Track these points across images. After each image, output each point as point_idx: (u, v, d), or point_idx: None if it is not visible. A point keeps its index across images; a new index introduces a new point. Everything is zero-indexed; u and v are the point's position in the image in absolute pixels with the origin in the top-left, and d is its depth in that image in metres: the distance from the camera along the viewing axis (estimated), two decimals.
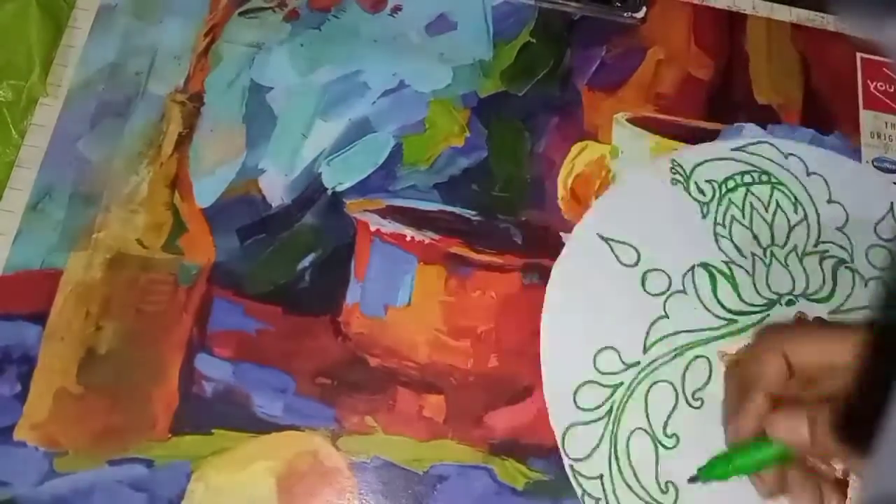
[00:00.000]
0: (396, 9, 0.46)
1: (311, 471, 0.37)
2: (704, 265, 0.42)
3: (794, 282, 0.42)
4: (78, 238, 0.40)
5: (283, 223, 0.41)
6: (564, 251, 0.41)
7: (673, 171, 0.44)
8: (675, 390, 0.39)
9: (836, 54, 0.48)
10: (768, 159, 0.45)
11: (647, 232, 0.42)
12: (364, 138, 0.43)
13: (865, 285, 0.42)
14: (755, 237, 0.43)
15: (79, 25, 0.44)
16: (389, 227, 0.42)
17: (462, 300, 0.40)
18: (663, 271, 0.41)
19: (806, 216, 0.43)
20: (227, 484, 0.36)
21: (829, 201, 0.44)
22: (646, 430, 0.38)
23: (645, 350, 0.40)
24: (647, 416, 0.39)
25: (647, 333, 0.40)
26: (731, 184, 0.44)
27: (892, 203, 0.44)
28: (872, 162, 0.45)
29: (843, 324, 0.34)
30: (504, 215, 0.42)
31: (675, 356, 0.40)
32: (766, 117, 0.46)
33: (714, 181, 0.44)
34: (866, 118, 0.46)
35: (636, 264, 0.41)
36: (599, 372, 0.39)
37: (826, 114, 0.46)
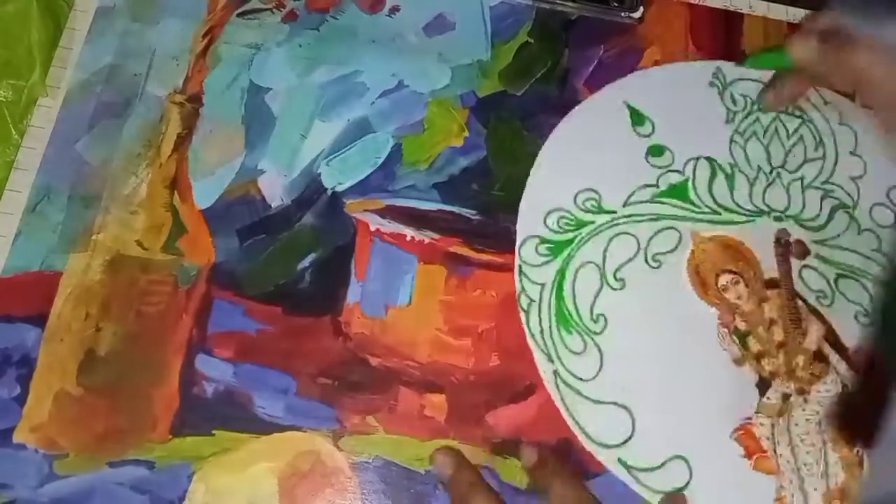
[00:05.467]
0: (394, 9, 0.46)
1: (312, 471, 0.37)
2: (710, 159, 0.44)
3: (789, 203, 0.44)
4: (77, 240, 0.40)
5: (282, 223, 0.41)
6: (585, 104, 0.45)
7: (714, 75, 0.46)
8: (639, 246, 0.42)
9: None
10: (807, 99, 0.46)
11: (670, 115, 0.45)
12: (363, 138, 0.43)
13: (859, 233, 0.43)
14: (768, 156, 0.45)
15: (77, 27, 0.44)
16: (389, 226, 0.42)
17: (462, 299, 0.41)
18: (670, 150, 0.44)
19: (824, 157, 0.45)
20: (228, 485, 0.36)
21: (852, 153, 0.45)
22: (597, 266, 0.41)
23: (625, 205, 0.43)
24: (604, 257, 0.42)
25: (632, 194, 0.43)
26: (760, 104, 0.46)
27: None
28: None
29: None
30: (504, 214, 0.42)
31: (650, 220, 0.43)
32: None
33: (748, 97, 0.46)
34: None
35: (648, 136, 0.44)
36: (576, 206, 0.43)
37: None
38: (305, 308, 0.40)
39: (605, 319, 0.40)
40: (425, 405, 0.39)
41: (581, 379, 0.39)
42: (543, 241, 0.42)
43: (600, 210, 0.43)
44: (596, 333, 0.40)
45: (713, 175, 0.44)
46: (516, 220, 0.42)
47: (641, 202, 0.43)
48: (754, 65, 0.40)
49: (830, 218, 0.44)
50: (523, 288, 0.41)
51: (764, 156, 0.45)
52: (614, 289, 0.41)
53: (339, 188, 0.42)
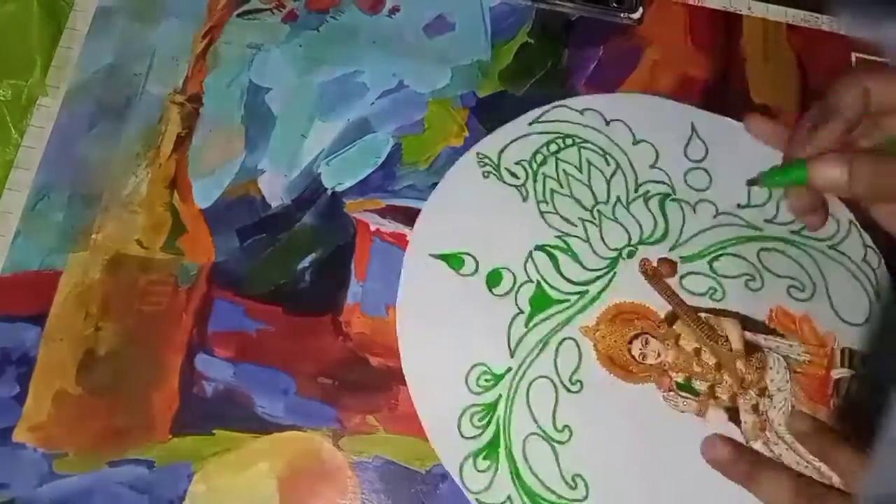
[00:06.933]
0: (394, 10, 0.46)
1: (312, 471, 0.37)
2: (540, 247, 0.41)
3: (628, 233, 0.42)
4: (77, 239, 0.40)
5: (282, 223, 0.41)
6: (403, 279, 0.40)
7: (481, 163, 0.43)
8: (553, 382, 0.39)
9: (831, 54, 0.48)
10: (566, 121, 0.44)
11: (476, 234, 0.41)
12: (363, 138, 0.43)
13: (694, 211, 0.42)
14: (578, 202, 0.42)
15: (76, 27, 0.44)
16: (389, 226, 0.42)
17: None
18: (505, 268, 0.41)
19: (618, 165, 0.43)
20: (228, 485, 0.36)
21: (635, 142, 0.44)
22: (538, 434, 0.38)
23: (512, 354, 0.39)
24: (534, 418, 0.38)
25: (509, 336, 0.39)
26: (539, 158, 0.43)
27: (691, 123, 0.44)
28: None
29: None
30: None
31: (541, 348, 0.39)
32: None
33: (523, 161, 0.43)
34: None
35: (476, 272, 0.41)
36: (475, 393, 0.38)
37: None
38: (305, 308, 0.40)
39: (582, 479, 0.37)
40: None
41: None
42: (475, 454, 0.37)
43: (498, 377, 0.39)
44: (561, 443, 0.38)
45: (554, 259, 0.41)
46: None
47: (522, 336, 0.39)
48: (770, 185, 0.36)
49: (665, 218, 0.42)
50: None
51: (574, 204, 0.42)
52: (564, 442, 0.38)
53: (339, 188, 0.42)
